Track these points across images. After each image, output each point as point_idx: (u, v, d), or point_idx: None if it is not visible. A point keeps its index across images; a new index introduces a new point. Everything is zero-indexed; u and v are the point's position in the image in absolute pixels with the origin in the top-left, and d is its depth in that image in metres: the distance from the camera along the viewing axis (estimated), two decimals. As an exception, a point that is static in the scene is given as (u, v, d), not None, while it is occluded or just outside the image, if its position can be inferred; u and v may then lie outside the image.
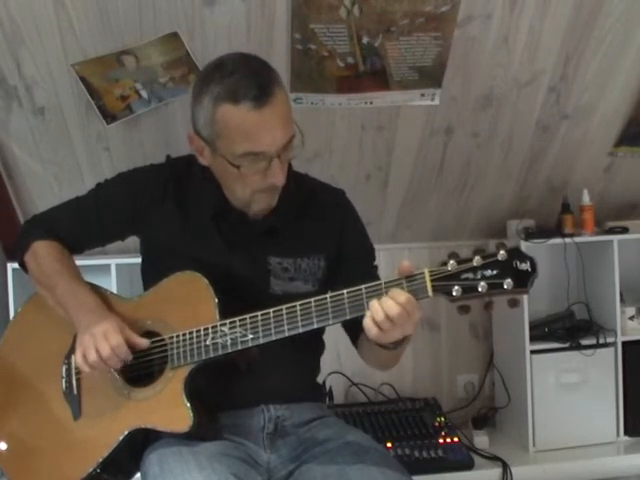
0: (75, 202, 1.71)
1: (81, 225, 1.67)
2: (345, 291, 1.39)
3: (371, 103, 2.29)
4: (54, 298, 1.60)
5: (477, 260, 1.32)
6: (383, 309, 1.34)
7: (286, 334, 1.42)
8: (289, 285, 1.61)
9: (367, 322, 1.35)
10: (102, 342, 1.47)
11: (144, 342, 1.51)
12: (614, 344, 2.52)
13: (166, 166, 1.69)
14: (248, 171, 1.47)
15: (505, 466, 2.33)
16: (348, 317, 1.39)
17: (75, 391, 1.58)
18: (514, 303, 1.35)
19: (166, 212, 1.62)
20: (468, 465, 2.32)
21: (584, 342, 2.51)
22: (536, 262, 1.32)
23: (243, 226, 1.61)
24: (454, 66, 2.23)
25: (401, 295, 1.34)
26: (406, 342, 1.47)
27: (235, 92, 1.43)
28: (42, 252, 1.64)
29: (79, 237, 1.69)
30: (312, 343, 1.68)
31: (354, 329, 1.62)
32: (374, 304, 1.35)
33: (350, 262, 1.67)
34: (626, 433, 2.52)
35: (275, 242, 1.62)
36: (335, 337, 1.71)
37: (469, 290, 1.32)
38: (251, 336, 1.44)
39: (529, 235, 2.49)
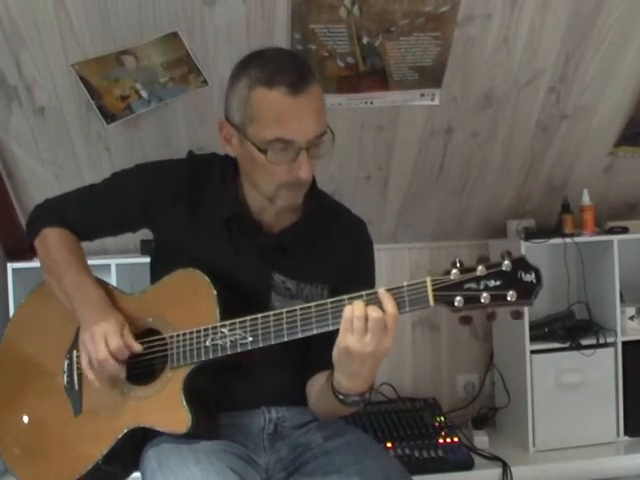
0: (88, 190, 1.70)
1: (92, 213, 1.67)
2: (346, 297, 1.36)
3: (371, 103, 2.29)
4: (60, 286, 1.59)
5: (481, 270, 1.28)
6: (364, 309, 1.31)
7: (285, 339, 1.41)
8: (290, 303, 1.56)
9: (345, 316, 1.32)
10: (100, 344, 1.47)
11: (138, 347, 1.50)
12: (614, 344, 2.51)
13: (185, 163, 1.66)
14: (275, 159, 1.44)
15: (505, 466, 2.33)
16: None
17: (76, 387, 1.59)
18: (517, 315, 1.32)
19: (178, 210, 1.60)
20: (468, 465, 2.32)
21: (584, 342, 2.51)
22: (541, 273, 1.29)
23: (254, 236, 1.59)
24: (454, 66, 2.23)
25: (389, 303, 1.31)
26: (355, 403, 1.42)
27: (271, 77, 1.42)
28: (52, 239, 1.64)
29: (89, 225, 1.68)
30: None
31: (313, 366, 1.59)
32: (358, 302, 1.32)
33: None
34: (626, 433, 2.52)
35: (282, 260, 1.59)
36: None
37: (471, 301, 1.28)
38: (250, 339, 1.43)
39: (529, 235, 2.49)
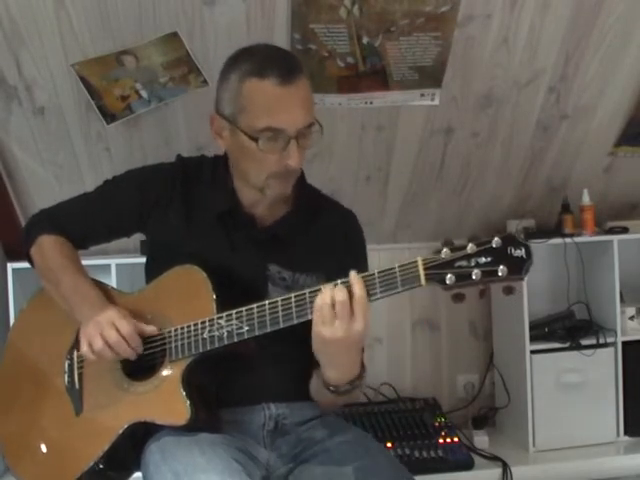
0: (83, 197, 1.72)
1: (87, 221, 1.69)
2: (339, 281, 1.38)
3: (371, 103, 2.29)
4: (58, 292, 1.61)
5: (471, 247, 1.31)
6: (331, 295, 1.34)
7: (281, 325, 1.42)
8: (286, 294, 1.58)
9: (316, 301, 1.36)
10: (109, 329, 1.49)
11: (151, 328, 1.52)
12: (614, 344, 2.52)
13: (176, 165, 1.69)
14: (266, 147, 1.48)
15: (505, 466, 2.33)
16: None
17: (77, 386, 1.60)
18: (509, 291, 1.33)
19: (172, 211, 1.63)
20: (468, 465, 2.32)
21: (584, 342, 2.51)
22: (531, 249, 1.31)
23: (249, 229, 1.62)
24: (454, 66, 2.23)
25: (357, 286, 1.34)
26: (348, 391, 1.46)
27: (262, 68, 1.48)
28: (48, 247, 1.66)
29: (85, 232, 1.70)
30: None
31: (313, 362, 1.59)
32: (325, 289, 1.36)
33: None
34: (626, 433, 2.52)
35: (278, 251, 1.61)
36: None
37: (463, 278, 1.30)
38: (247, 328, 1.45)
39: (529, 235, 2.48)
